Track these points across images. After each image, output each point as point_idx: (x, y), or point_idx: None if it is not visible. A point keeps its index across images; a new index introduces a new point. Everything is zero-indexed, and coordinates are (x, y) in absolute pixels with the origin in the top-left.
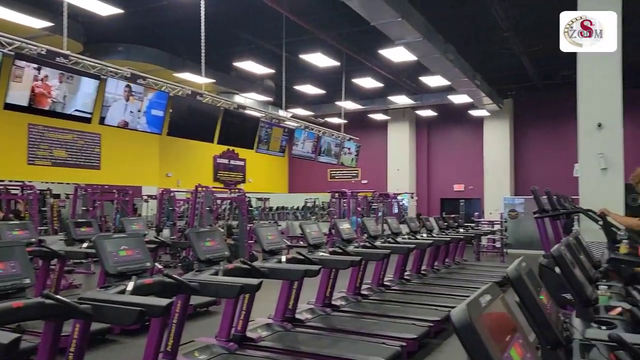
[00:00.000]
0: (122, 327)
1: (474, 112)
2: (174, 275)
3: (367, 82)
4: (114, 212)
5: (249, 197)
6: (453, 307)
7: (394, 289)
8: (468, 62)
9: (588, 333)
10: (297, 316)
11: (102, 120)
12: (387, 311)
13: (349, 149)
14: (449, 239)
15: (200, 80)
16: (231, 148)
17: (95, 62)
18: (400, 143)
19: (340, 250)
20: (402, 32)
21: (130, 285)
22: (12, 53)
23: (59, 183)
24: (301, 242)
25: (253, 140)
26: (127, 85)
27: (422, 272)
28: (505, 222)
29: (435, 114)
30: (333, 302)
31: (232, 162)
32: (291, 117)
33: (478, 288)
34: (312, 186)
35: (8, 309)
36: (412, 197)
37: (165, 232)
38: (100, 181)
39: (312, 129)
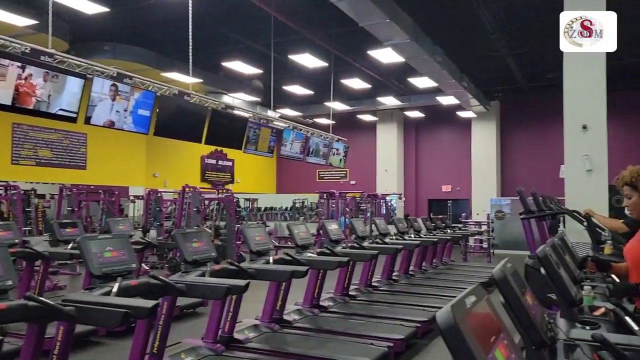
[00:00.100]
0: (107, 329)
1: (462, 114)
2: (160, 277)
3: (356, 83)
4: (99, 213)
5: (237, 198)
6: (440, 308)
7: (382, 289)
8: (455, 64)
9: (572, 333)
10: (285, 317)
11: (87, 120)
12: (375, 312)
13: (337, 149)
14: (436, 239)
15: (188, 80)
16: (219, 148)
17: (80, 61)
18: (388, 144)
19: (328, 251)
20: (390, 34)
21: (115, 287)
22: None
23: (43, 183)
24: (289, 243)
25: (241, 141)
26: (114, 85)
27: (410, 272)
28: (492, 222)
29: (423, 115)
30: (321, 303)
31: (220, 162)
32: (279, 117)
33: (465, 288)
34: (301, 187)
35: None
36: (400, 198)
37: (152, 233)
38: (86, 181)
39: (301, 130)
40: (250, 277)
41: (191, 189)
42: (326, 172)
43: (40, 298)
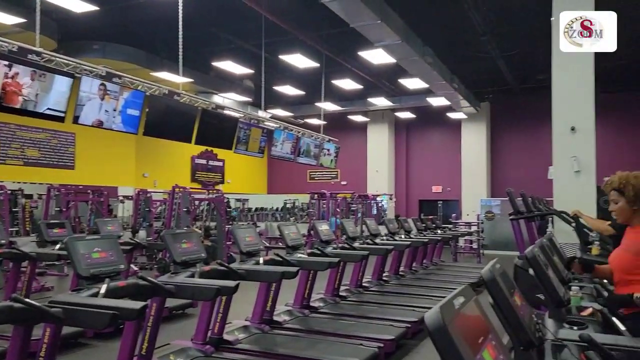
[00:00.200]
0: (95, 330)
1: (452, 115)
2: (149, 278)
3: (347, 84)
4: (88, 213)
5: (228, 198)
6: (430, 308)
7: (373, 290)
8: (446, 65)
9: (560, 333)
10: (275, 318)
11: (75, 120)
12: (365, 312)
13: (328, 150)
14: (426, 240)
15: (178, 79)
16: (209, 148)
17: (69, 60)
18: (379, 144)
19: (318, 252)
20: (381, 35)
21: (103, 288)
22: None
23: (31, 183)
24: (280, 244)
25: (231, 141)
26: (102, 84)
27: (401, 273)
28: (482, 223)
29: (414, 116)
30: (311, 304)
31: (210, 162)
32: (270, 117)
33: (455, 289)
34: (292, 187)
35: None
36: (391, 199)
37: (142, 234)
38: (74, 181)
39: (292, 130)
40: (240, 278)
41: (181, 189)
42: (317, 173)
43: (27, 300)
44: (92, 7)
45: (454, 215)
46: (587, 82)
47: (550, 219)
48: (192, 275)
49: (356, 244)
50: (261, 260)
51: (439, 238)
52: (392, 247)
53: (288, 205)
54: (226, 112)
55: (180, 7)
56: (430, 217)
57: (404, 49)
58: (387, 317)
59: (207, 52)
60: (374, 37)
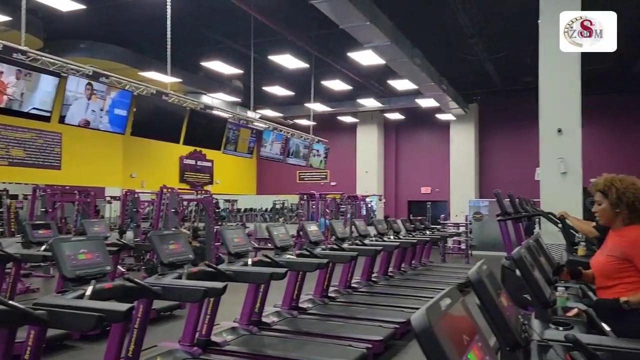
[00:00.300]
0: (81, 332)
1: (441, 116)
2: (135, 279)
3: (336, 85)
4: (75, 214)
5: (217, 199)
6: (419, 309)
7: (361, 290)
8: (435, 67)
9: (546, 334)
10: (264, 319)
11: (62, 119)
12: (354, 313)
13: (317, 150)
14: (415, 241)
15: (166, 79)
16: (198, 149)
17: (55, 59)
18: (368, 145)
19: (307, 253)
20: (370, 36)
21: (88, 290)
22: None
23: (16, 183)
24: (269, 245)
25: (220, 141)
26: (89, 84)
27: (389, 273)
28: (470, 224)
29: (403, 117)
30: (300, 305)
31: (199, 163)
32: (259, 118)
33: (443, 289)
34: (281, 188)
35: None
36: (380, 200)
37: (129, 235)
38: (60, 182)
39: (281, 131)
40: (228, 279)
41: (169, 190)
42: (306, 173)
43: (10, 302)
44: (79, 6)
45: (442, 216)
46: (573, 84)
47: (537, 220)
48: (180, 277)
49: (345, 245)
50: (249, 261)
51: (428, 239)
52: (380, 248)
53: (277, 206)
54: (215, 112)
55: (169, 7)
56: (419, 218)
57: (393, 51)
58: (376, 317)
59: (196, 52)
60: (363, 38)
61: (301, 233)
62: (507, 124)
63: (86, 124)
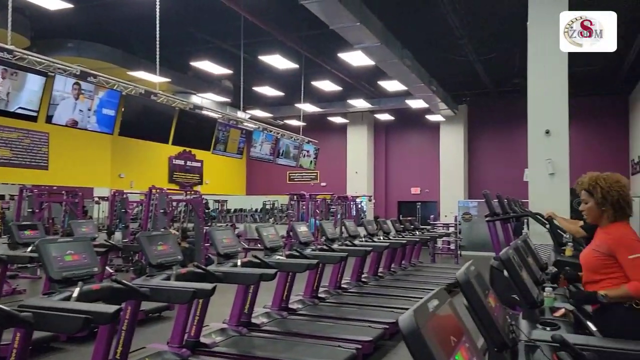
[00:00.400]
0: (68, 334)
1: (431, 117)
2: (123, 280)
3: (326, 85)
4: (62, 215)
5: (206, 199)
6: (408, 309)
7: (351, 291)
8: (424, 68)
9: (533, 334)
10: (253, 320)
11: (49, 119)
12: (344, 314)
13: (307, 151)
14: (405, 241)
15: (155, 79)
16: (187, 149)
17: (42, 58)
18: (358, 146)
19: (297, 254)
20: (360, 37)
21: (75, 292)
22: None
23: (3, 184)
24: (259, 245)
25: (210, 142)
26: (77, 83)
27: (379, 274)
28: (460, 224)
29: (393, 118)
30: (290, 306)
31: (188, 163)
32: (249, 118)
33: (433, 289)
34: (271, 188)
35: None
36: (370, 200)
37: (117, 235)
38: (48, 182)
39: (271, 131)
40: (218, 280)
41: (158, 191)
42: (296, 174)
43: None
44: (66, 5)
45: (432, 216)
46: (561, 86)
47: (525, 220)
48: (168, 278)
49: (335, 246)
50: (239, 262)
51: (417, 239)
52: (370, 248)
53: (267, 207)
54: (204, 112)
55: (158, 6)
56: (409, 218)
57: (383, 52)
58: (366, 318)
59: (185, 51)
60: (353, 39)
61: (291, 234)
62: (496, 125)
63: (74, 124)
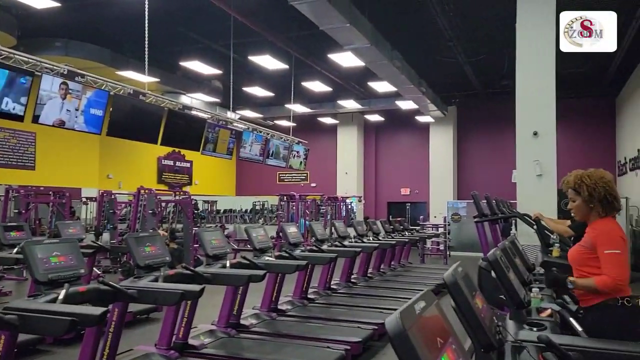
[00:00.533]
0: (54, 337)
1: (420, 118)
2: (110, 282)
3: (316, 86)
4: (49, 215)
5: (195, 200)
6: (397, 309)
7: (341, 292)
8: (414, 69)
9: (519, 335)
10: (242, 322)
11: (35, 119)
12: (333, 315)
13: (297, 152)
14: (394, 242)
15: (143, 79)
16: (177, 149)
17: (28, 58)
18: (348, 147)
19: (286, 255)
20: (350, 38)
21: (62, 294)
22: None
23: None
24: (249, 246)
25: (199, 142)
26: (64, 83)
27: (369, 275)
28: (449, 225)
29: (383, 119)
30: (279, 307)
31: (177, 163)
32: (239, 119)
33: (422, 290)
34: (261, 189)
35: None
36: (360, 201)
37: (105, 236)
38: (35, 182)
39: (261, 132)
40: (206, 281)
41: (147, 191)
42: (286, 175)
43: None
44: (53, 3)
45: (421, 217)
46: (548, 88)
47: (513, 221)
48: (156, 280)
49: (324, 247)
50: (228, 263)
51: (407, 240)
52: (360, 249)
53: (257, 207)
54: (194, 112)
55: (147, 5)
56: (399, 219)
57: (373, 53)
58: (355, 319)
59: (175, 51)
60: (343, 40)
61: (281, 234)
62: (485, 126)
63: (61, 124)
